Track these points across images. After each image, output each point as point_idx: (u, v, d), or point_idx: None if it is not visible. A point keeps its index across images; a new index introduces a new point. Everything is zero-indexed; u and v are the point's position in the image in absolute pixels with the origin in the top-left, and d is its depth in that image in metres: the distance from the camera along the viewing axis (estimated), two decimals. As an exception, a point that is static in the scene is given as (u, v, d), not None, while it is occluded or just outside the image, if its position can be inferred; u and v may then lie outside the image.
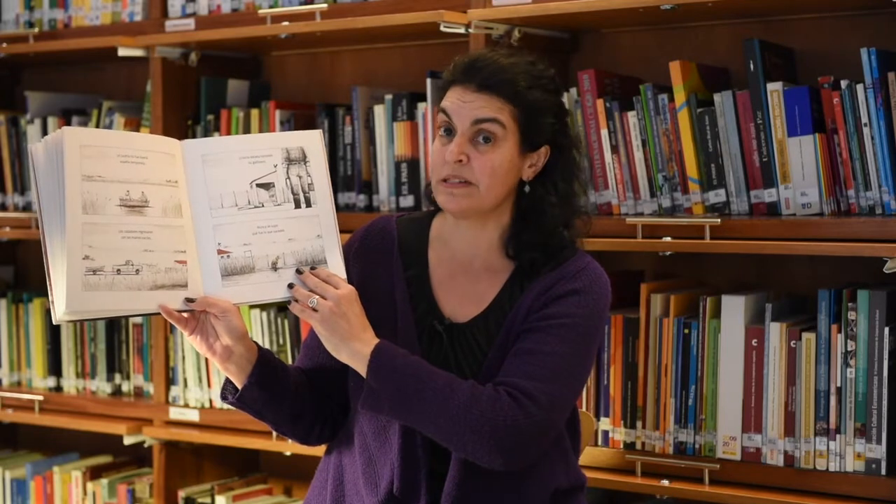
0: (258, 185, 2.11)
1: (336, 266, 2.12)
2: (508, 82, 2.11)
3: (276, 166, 2.12)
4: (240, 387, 2.14)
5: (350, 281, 2.18)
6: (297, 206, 2.12)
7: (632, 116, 2.76)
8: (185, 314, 2.07)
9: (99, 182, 1.99)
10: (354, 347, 2.05)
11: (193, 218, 2.08)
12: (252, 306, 3.20)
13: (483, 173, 2.10)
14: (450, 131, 2.13)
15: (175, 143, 2.11)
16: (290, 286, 2.08)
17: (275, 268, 2.09)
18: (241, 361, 2.12)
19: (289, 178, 2.12)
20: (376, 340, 2.07)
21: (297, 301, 2.07)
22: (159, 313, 2.04)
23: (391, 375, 2.03)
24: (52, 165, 1.99)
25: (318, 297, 2.05)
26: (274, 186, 2.11)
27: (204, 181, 2.09)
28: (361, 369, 2.05)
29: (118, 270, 1.99)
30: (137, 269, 2.01)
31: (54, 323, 2.03)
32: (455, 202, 2.12)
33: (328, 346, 2.07)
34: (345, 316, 2.05)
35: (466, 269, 2.20)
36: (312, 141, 2.15)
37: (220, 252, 2.07)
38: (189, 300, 2.05)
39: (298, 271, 2.09)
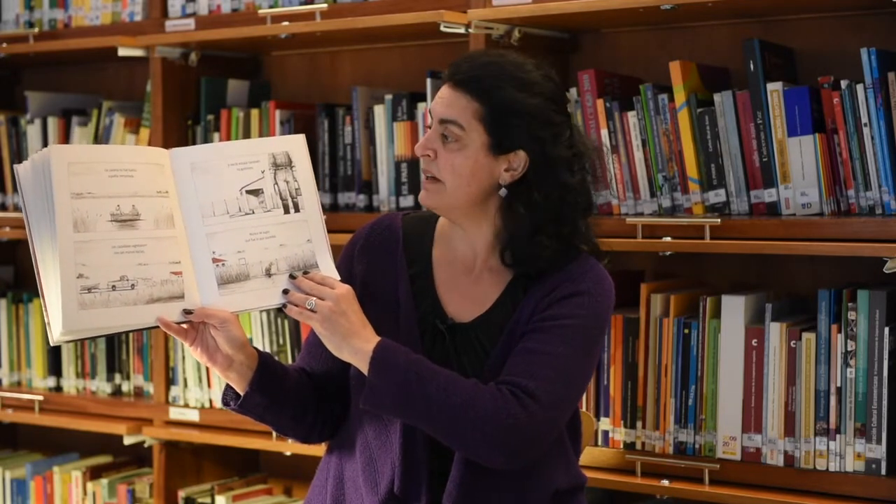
0: (247, 192, 2.10)
1: (328, 269, 2.11)
2: (476, 79, 2.10)
3: (263, 172, 2.11)
4: (241, 393, 2.14)
5: (354, 277, 2.18)
6: (286, 211, 2.12)
7: (632, 116, 2.76)
8: (184, 325, 2.06)
9: (89, 199, 1.98)
10: (356, 345, 2.05)
11: (186, 227, 2.07)
12: (251, 308, 3.20)
13: (445, 170, 2.11)
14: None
15: (163, 152, 2.10)
16: (286, 292, 2.08)
17: (269, 274, 2.09)
18: (241, 369, 2.12)
19: (276, 183, 2.12)
20: (377, 338, 2.07)
21: (293, 305, 2.07)
22: (158, 327, 2.03)
23: (393, 372, 2.03)
24: (39, 185, 1.97)
25: (315, 298, 2.05)
26: (263, 193, 2.11)
27: (195, 190, 2.08)
28: (363, 367, 2.05)
29: (113, 287, 1.98)
30: (133, 284, 2.00)
31: (52, 344, 2.02)
32: (426, 197, 2.15)
33: (330, 346, 2.07)
34: (345, 314, 2.05)
35: (469, 270, 2.20)
36: (297, 145, 2.15)
37: (215, 261, 2.07)
38: (187, 311, 2.05)
39: (292, 276, 2.09)
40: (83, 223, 1.97)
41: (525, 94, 2.10)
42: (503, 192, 2.13)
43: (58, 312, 1.94)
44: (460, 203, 2.13)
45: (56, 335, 1.96)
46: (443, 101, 2.13)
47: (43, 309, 1.98)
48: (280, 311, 3.21)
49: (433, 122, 2.14)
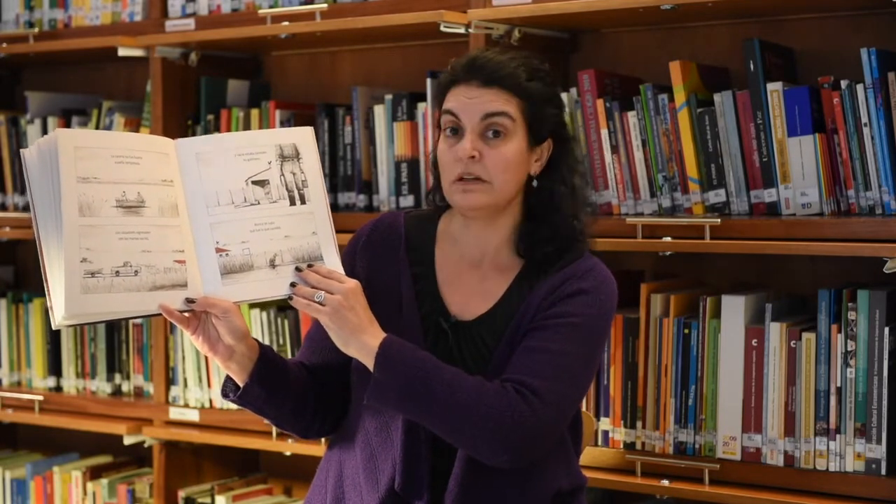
0: (253, 183, 2.10)
1: (333, 263, 2.11)
2: (511, 75, 2.12)
3: (270, 163, 2.11)
4: (241, 385, 2.14)
5: (356, 275, 2.18)
6: (292, 203, 2.11)
7: (632, 116, 2.76)
8: (186, 314, 2.06)
9: (94, 183, 1.98)
10: (363, 340, 2.05)
11: (190, 217, 2.06)
12: (252, 305, 3.20)
13: (496, 168, 2.11)
14: (456, 131, 2.13)
15: (169, 142, 2.10)
16: (293, 285, 2.07)
17: (273, 265, 2.08)
18: (242, 360, 2.11)
19: (283, 174, 2.11)
20: (384, 334, 2.07)
21: (300, 297, 2.06)
22: (160, 314, 2.03)
23: (399, 368, 2.03)
24: (46, 169, 1.97)
25: (323, 291, 2.05)
26: (269, 183, 2.10)
27: (199, 179, 2.07)
28: (369, 362, 2.05)
29: (117, 272, 1.98)
30: (136, 271, 1.99)
31: (54, 328, 2.02)
32: (470, 199, 2.12)
33: (337, 340, 2.07)
34: (353, 309, 2.05)
35: (474, 268, 2.20)
36: (305, 137, 2.14)
37: (218, 250, 2.06)
38: (189, 300, 2.04)
39: (298, 269, 2.08)
40: (88, 207, 1.97)
41: (546, 85, 2.17)
42: (535, 182, 2.18)
43: (60, 296, 1.94)
44: (504, 199, 2.15)
45: (58, 319, 1.96)
46: (481, 99, 2.12)
47: (46, 293, 1.98)
48: (281, 309, 3.24)
49: (469, 122, 2.11)
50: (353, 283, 2.07)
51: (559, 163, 2.19)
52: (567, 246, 2.17)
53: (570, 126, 2.26)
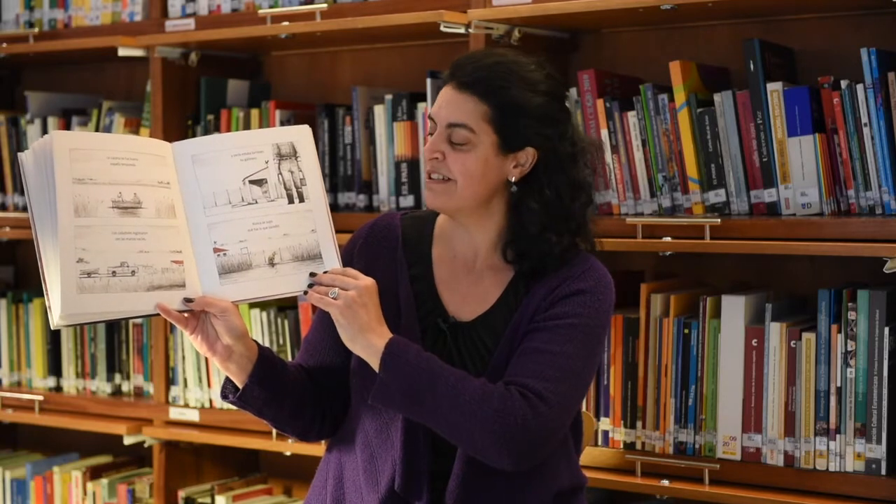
0: (251, 182, 2.10)
1: (332, 259, 2.11)
2: (482, 80, 2.10)
3: (267, 162, 2.11)
4: (240, 386, 2.14)
5: None
6: (291, 201, 2.11)
7: (632, 116, 2.76)
8: (184, 313, 2.06)
9: (90, 185, 1.98)
10: (370, 339, 2.05)
11: (188, 218, 2.07)
12: (252, 305, 3.20)
13: (457, 171, 2.11)
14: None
15: (165, 145, 2.10)
16: (311, 285, 2.07)
17: (272, 263, 2.08)
18: (241, 360, 2.11)
19: (280, 173, 2.11)
20: (390, 334, 2.07)
21: (314, 293, 2.06)
22: (157, 314, 2.03)
23: (404, 369, 2.03)
24: (41, 170, 1.97)
25: (338, 288, 2.05)
26: (266, 182, 2.10)
27: (196, 181, 2.08)
28: (374, 362, 2.05)
29: (113, 272, 1.98)
30: (133, 271, 2.00)
31: (52, 328, 2.02)
32: (434, 198, 2.14)
33: (344, 336, 2.06)
34: (366, 306, 2.05)
35: (469, 268, 2.20)
36: (302, 136, 2.14)
37: (216, 250, 2.07)
38: (188, 300, 2.05)
39: (312, 274, 2.08)
40: (84, 208, 1.97)
41: (531, 94, 2.11)
42: (514, 188, 2.14)
43: (57, 296, 1.95)
44: (469, 203, 2.13)
45: (56, 319, 1.97)
46: (449, 105, 2.12)
47: (45, 294, 1.98)
48: (281, 309, 3.24)
49: (438, 126, 2.13)
50: (368, 281, 2.07)
51: (541, 175, 2.14)
52: (547, 259, 2.15)
53: (574, 139, 2.16)
